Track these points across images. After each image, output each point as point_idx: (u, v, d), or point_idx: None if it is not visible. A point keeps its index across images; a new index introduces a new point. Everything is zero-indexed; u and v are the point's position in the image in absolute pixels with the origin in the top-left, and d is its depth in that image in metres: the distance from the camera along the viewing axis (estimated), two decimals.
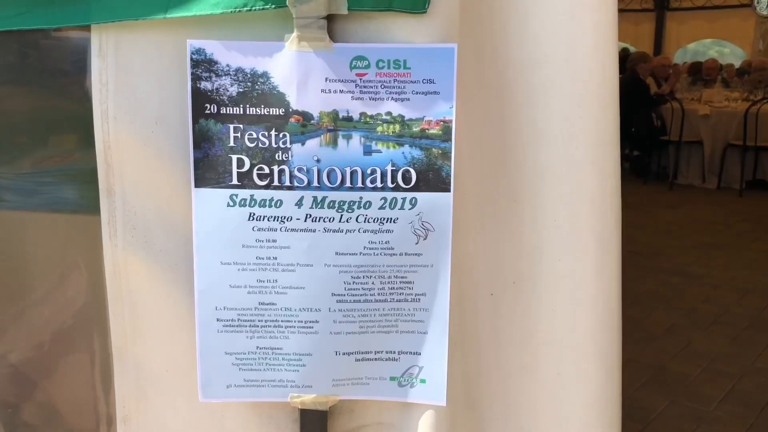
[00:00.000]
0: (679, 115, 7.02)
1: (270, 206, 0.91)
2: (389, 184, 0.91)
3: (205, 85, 0.88)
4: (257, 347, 0.95)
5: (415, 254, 0.93)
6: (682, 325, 3.48)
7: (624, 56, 8.69)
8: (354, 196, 0.91)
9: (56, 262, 1.10)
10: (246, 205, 0.91)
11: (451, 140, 0.90)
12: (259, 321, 0.94)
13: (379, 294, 0.94)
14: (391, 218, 0.92)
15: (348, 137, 0.90)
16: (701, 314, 3.63)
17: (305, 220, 0.91)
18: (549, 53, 0.96)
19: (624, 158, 7.92)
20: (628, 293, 3.39)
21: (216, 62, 0.88)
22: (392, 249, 0.93)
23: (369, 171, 0.90)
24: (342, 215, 0.91)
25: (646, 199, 6.59)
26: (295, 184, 0.90)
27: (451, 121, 0.90)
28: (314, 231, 0.91)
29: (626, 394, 2.82)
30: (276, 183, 0.90)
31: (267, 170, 0.90)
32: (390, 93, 0.90)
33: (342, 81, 0.89)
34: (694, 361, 3.06)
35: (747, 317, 3.59)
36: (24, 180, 1.10)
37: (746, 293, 3.96)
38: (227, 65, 0.88)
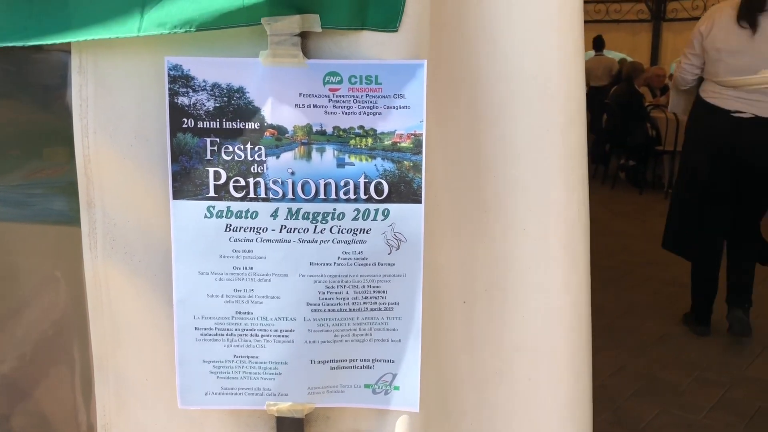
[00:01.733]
0: (673, 125, 7.06)
1: (246, 217, 0.93)
2: (362, 196, 0.93)
3: (182, 100, 0.91)
4: (234, 356, 0.97)
5: (388, 264, 0.96)
6: (675, 334, 3.49)
7: (620, 67, 8.76)
8: (328, 207, 0.93)
9: (41, 273, 1.12)
10: (223, 217, 0.93)
11: (421, 153, 0.93)
12: (235, 330, 0.97)
13: (353, 303, 0.97)
14: (364, 229, 0.94)
15: (322, 150, 0.92)
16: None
17: (280, 231, 0.93)
18: (517, 69, 0.99)
19: (620, 168, 7.98)
20: (622, 302, 3.43)
21: (193, 78, 0.91)
22: (366, 259, 0.95)
23: (342, 183, 0.93)
24: (316, 226, 0.94)
25: (641, 209, 6.62)
26: (271, 195, 0.92)
27: (421, 134, 0.93)
28: (289, 242, 0.94)
29: (617, 403, 2.86)
30: (252, 195, 0.93)
31: (243, 182, 0.92)
32: (362, 107, 0.92)
33: (315, 96, 0.92)
34: (686, 370, 3.08)
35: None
36: (12, 192, 1.13)
37: None
38: (204, 81, 0.91)
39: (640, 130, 7.51)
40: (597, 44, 11.43)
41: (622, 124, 7.56)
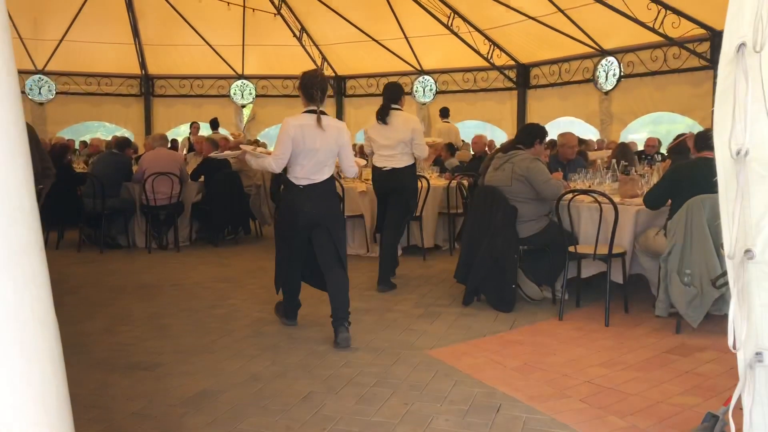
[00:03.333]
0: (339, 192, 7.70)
1: None
2: None
3: None
4: None
5: None
6: (319, 392, 3.72)
7: None
8: None
9: None
10: None
11: None
12: None
13: None
14: None
15: None
16: (338, 378, 3.92)
17: None
18: None
19: None
20: (277, 367, 3.53)
21: None
22: None
23: None
24: None
25: None
26: None
27: None
28: None
29: None
30: None
31: None
32: None
33: None
34: (321, 425, 3.28)
35: (376, 375, 3.97)
36: None
37: (380, 352, 4.39)
38: None
39: None
40: (213, 124, 13.87)
41: None
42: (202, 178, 8.76)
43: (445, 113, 13.31)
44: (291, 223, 4.65)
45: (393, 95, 6.26)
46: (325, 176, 4.59)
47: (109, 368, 4.14)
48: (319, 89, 4.52)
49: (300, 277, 4.91)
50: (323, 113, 4.55)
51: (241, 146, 5.20)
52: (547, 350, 4.48)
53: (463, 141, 14.11)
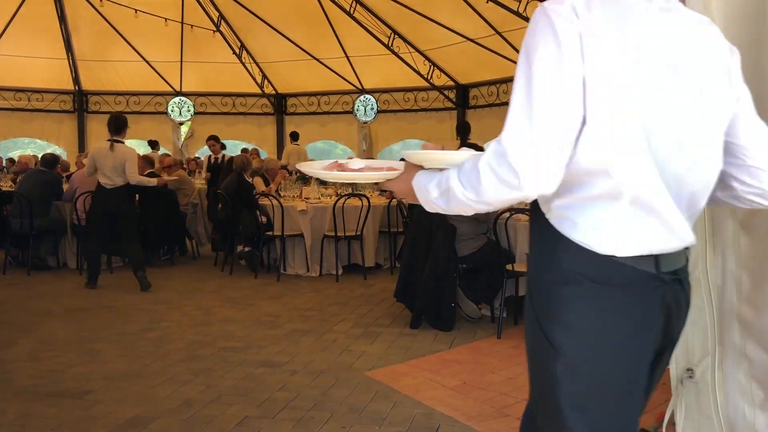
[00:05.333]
0: (279, 211, 7.60)
1: None
2: None
3: None
4: None
5: None
6: (255, 417, 3.61)
7: (230, 159, 9.24)
8: None
9: None
10: None
11: None
12: None
13: None
14: None
15: None
16: (274, 402, 3.82)
17: None
18: None
19: (239, 255, 8.25)
20: (211, 391, 3.41)
21: None
22: None
23: None
24: None
25: (253, 293, 6.89)
26: None
27: None
28: None
29: None
30: None
31: None
32: None
33: None
34: None
35: (313, 398, 3.89)
36: None
37: (319, 375, 4.31)
38: None
39: (250, 218, 7.90)
40: (152, 144, 14.62)
41: (234, 213, 7.89)
42: (137, 197, 8.50)
43: (295, 137, 14.65)
44: (99, 212, 7.10)
45: (465, 130, 8.35)
46: (121, 183, 7.01)
47: (33, 397, 3.93)
48: (113, 126, 7.08)
49: (101, 251, 7.51)
50: (117, 141, 7.03)
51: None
52: (486, 369, 4.48)
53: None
